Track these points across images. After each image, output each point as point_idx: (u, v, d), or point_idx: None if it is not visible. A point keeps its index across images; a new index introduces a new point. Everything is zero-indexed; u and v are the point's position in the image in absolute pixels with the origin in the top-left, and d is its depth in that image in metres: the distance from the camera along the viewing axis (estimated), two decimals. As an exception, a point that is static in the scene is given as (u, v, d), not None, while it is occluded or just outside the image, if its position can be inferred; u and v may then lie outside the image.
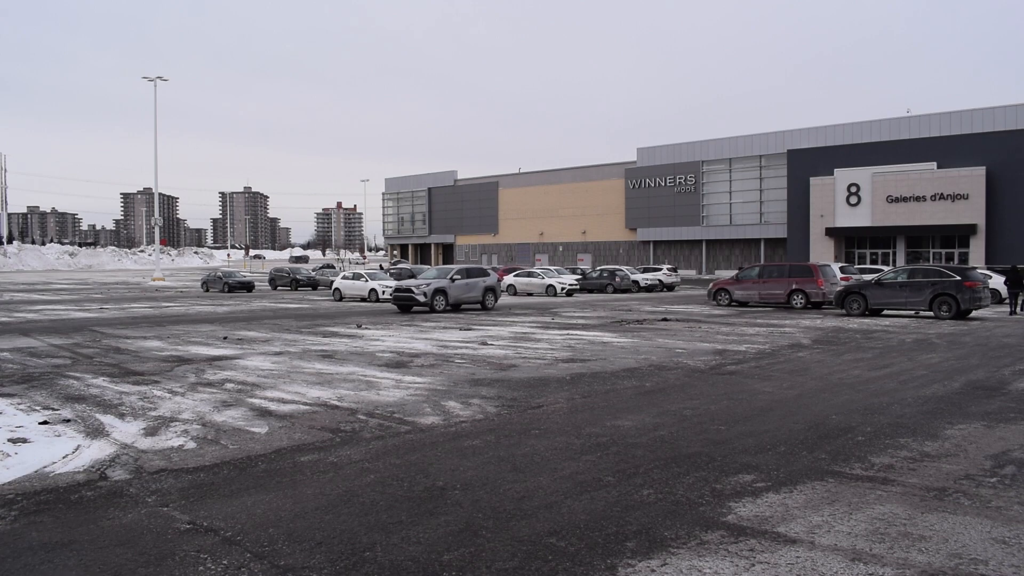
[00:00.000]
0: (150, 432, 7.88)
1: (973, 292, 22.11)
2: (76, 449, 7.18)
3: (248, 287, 43.83)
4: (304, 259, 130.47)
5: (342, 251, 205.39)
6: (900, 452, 6.92)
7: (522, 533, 4.89)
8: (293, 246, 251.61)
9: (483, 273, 28.65)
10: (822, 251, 52.80)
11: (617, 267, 45.10)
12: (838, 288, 25.50)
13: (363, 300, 33.15)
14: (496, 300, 28.46)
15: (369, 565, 4.40)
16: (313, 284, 46.72)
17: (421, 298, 25.50)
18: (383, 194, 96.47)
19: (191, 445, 7.33)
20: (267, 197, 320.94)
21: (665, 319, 22.66)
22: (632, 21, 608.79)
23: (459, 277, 26.86)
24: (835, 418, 8.42)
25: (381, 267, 69.04)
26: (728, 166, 61.62)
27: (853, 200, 51.81)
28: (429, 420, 8.41)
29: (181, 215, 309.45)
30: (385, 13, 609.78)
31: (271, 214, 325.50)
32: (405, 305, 26.12)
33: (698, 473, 6.25)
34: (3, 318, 24.07)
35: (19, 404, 9.43)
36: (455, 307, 27.06)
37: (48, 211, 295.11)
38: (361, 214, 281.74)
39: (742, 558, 4.47)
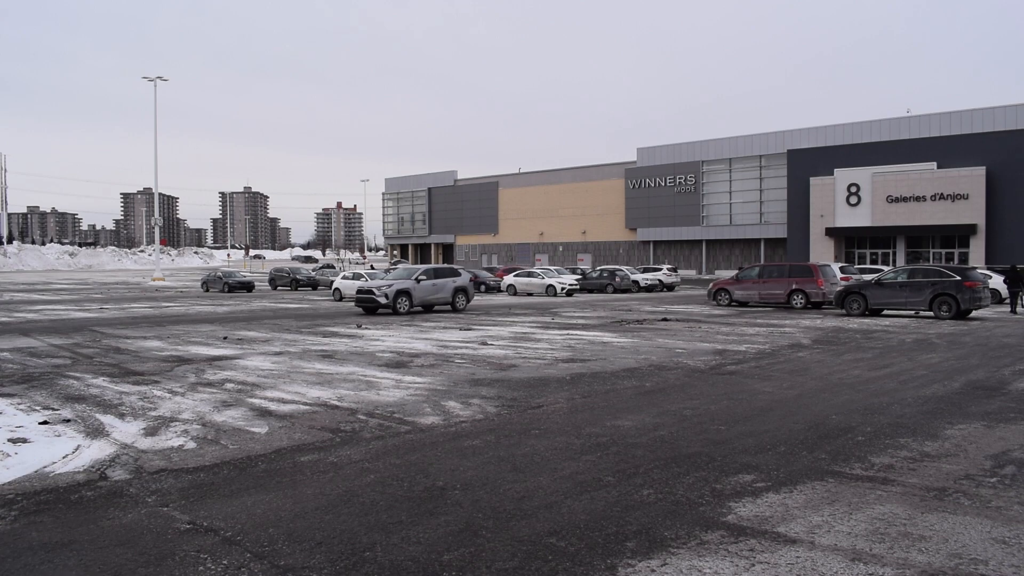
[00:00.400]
0: (150, 432, 7.88)
1: (973, 292, 22.11)
2: (76, 449, 7.18)
3: (248, 287, 43.83)
4: (312, 259, 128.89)
5: (342, 251, 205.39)
6: (900, 452, 6.92)
7: (522, 533, 4.89)
8: (293, 246, 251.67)
9: (453, 273, 27.54)
10: (822, 251, 52.80)
11: (617, 267, 45.10)
12: (838, 288, 25.51)
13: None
14: (468, 301, 27.32)
15: (369, 565, 4.40)
16: (313, 284, 46.73)
17: (382, 299, 24.44)
18: (383, 194, 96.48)
19: (191, 445, 7.33)
20: (267, 197, 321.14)
21: (665, 319, 22.66)
22: (632, 21, 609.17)
23: (425, 277, 25.72)
24: (835, 418, 8.42)
25: (372, 267, 68.94)
26: (728, 166, 61.62)
27: (853, 200, 51.81)
28: (429, 420, 8.41)
29: (181, 215, 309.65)
30: (385, 13, 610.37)
31: (271, 214, 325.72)
32: (369, 307, 25.04)
33: (698, 473, 6.25)
34: (3, 318, 24.07)
35: (19, 404, 9.43)
36: (427, 308, 26.28)
37: (48, 211, 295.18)
38: (361, 214, 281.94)
39: (742, 558, 4.47)
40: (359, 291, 25.69)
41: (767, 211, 59.52)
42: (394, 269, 42.08)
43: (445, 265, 32.11)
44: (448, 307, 26.68)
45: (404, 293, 24.92)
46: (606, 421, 8.28)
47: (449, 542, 4.74)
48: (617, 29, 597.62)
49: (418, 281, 25.47)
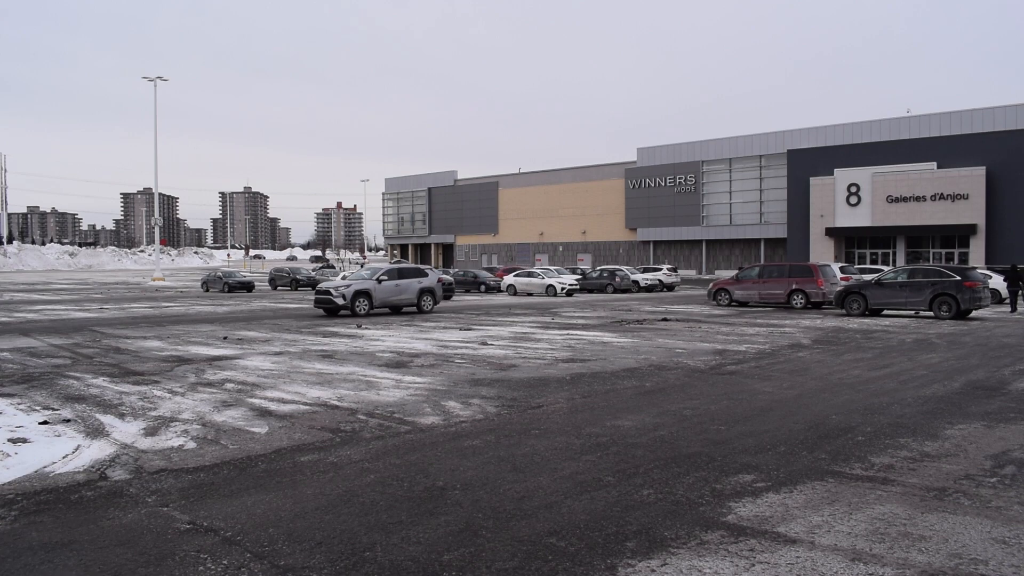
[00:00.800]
0: (150, 432, 7.88)
1: (973, 292, 22.11)
2: (76, 449, 7.18)
3: (248, 287, 43.85)
4: (322, 258, 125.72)
5: (342, 251, 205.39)
6: (900, 452, 6.92)
7: (522, 533, 4.89)
8: (293, 246, 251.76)
9: (419, 273, 26.58)
10: (822, 251, 52.80)
11: (617, 267, 45.10)
12: (838, 288, 25.51)
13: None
14: (435, 303, 26.30)
15: (369, 565, 4.40)
16: (313, 284, 46.69)
17: (340, 300, 23.66)
18: (383, 194, 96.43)
19: (191, 445, 7.33)
20: (267, 197, 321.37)
21: (665, 319, 22.66)
22: (632, 21, 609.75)
23: (386, 278, 24.83)
24: (835, 418, 8.42)
25: (361, 267, 68.86)
26: (728, 166, 61.61)
27: (853, 200, 51.81)
28: (429, 420, 8.41)
29: (181, 215, 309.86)
30: (385, 13, 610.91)
31: (271, 214, 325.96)
32: (328, 308, 24.18)
33: (698, 473, 6.25)
34: (3, 318, 24.07)
35: (19, 404, 9.43)
36: (395, 310, 25.59)
37: (48, 211, 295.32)
38: (361, 214, 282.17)
39: (742, 558, 4.47)
40: (317, 291, 24.97)
41: (767, 211, 59.52)
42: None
43: (411, 265, 30.45)
44: (414, 309, 25.73)
45: (363, 294, 24.12)
46: (606, 421, 8.28)
47: (449, 542, 4.74)
48: (617, 29, 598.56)
49: (379, 282, 24.65)
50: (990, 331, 18.65)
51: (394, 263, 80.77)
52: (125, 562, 4.48)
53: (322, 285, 25.27)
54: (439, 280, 27.59)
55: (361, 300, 24.10)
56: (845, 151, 53.11)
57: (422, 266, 32.65)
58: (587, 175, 72.45)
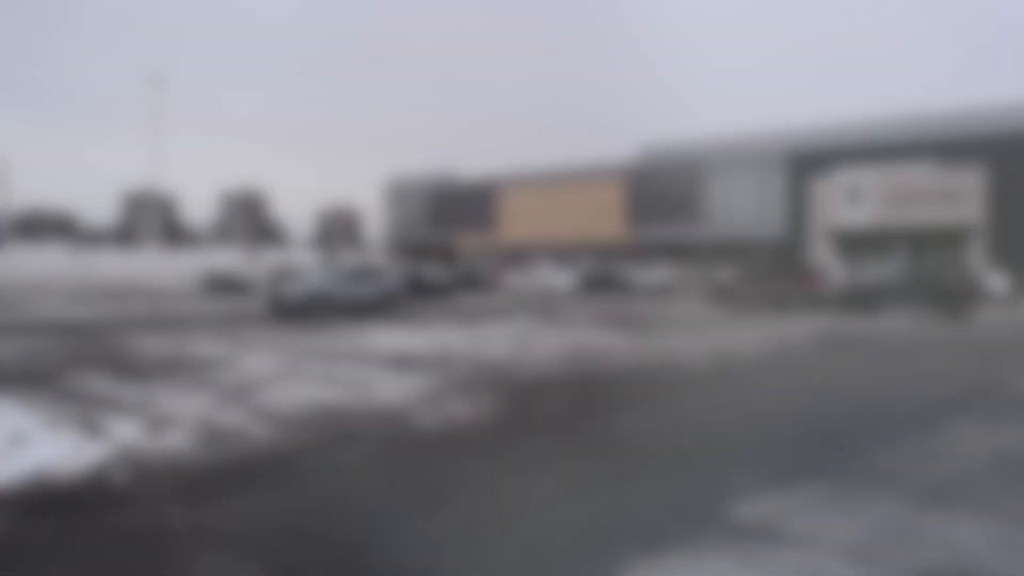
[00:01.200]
0: (150, 432, 7.88)
1: (972, 292, 22.15)
2: (76, 449, 7.18)
3: (248, 287, 43.87)
4: (330, 259, 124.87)
5: (341, 251, 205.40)
6: (900, 452, 6.92)
7: (522, 532, 4.89)
8: (293, 246, 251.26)
9: (381, 274, 26.17)
10: (822, 251, 52.78)
11: (617, 267, 45.13)
12: (838, 289, 25.52)
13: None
14: (399, 304, 25.73)
15: (369, 565, 4.40)
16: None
17: (293, 302, 23.08)
18: (383, 194, 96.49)
19: (191, 445, 7.33)
20: (267, 197, 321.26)
21: (665, 319, 22.66)
22: (632, 21, 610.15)
23: (345, 279, 24.36)
24: (835, 418, 8.42)
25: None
26: (728, 166, 61.61)
27: (853, 200, 51.79)
28: (429, 420, 8.42)
29: (181, 215, 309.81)
30: (385, 13, 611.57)
31: (271, 214, 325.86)
32: (283, 311, 23.61)
33: (698, 473, 6.25)
34: (3, 318, 24.07)
35: (19, 404, 9.43)
36: (357, 311, 24.88)
37: (48, 211, 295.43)
38: (361, 214, 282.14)
39: (742, 558, 4.47)
40: (271, 293, 24.53)
41: (767, 211, 59.52)
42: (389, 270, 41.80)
43: (371, 267, 29.89)
44: (376, 310, 25.15)
45: (319, 295, 23.66)
46: (606, 421, 8.28)
47: (449, 542, 4.74)
48: (617, 29, 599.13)
49: (337, 282, 24.28)
50: (990, 331, 18.66)
51: (393, 264, 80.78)
52: (125, 562, 4.48)
53: (276, 288, 24.78)
54: (405, 280, 27.40)
55: (316, 301, 23.57)
56: (845, 151, 53.11)
57: (384, 266, 32.23)
58: (587, 175, 72.46)
